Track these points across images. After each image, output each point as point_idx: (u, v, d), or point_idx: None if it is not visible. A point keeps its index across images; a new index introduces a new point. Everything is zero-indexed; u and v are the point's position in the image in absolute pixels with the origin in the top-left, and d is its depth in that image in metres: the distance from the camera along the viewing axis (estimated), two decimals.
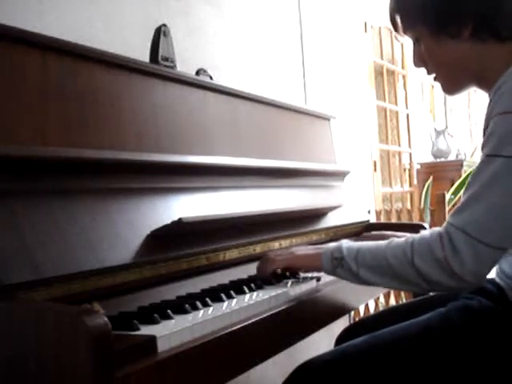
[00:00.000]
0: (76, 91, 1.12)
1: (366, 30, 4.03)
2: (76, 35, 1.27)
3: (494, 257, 0.98)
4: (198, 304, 0.99)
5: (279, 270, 1.26)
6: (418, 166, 5.06)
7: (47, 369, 0.73)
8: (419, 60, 1.21)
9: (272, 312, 1.04)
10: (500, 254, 0.99)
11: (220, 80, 1.69)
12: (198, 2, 2.23)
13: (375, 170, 4.03)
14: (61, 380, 0.72)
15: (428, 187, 4.01)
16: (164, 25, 1.50)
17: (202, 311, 0.97)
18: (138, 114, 1.26)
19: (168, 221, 1.13)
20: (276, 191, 1.65)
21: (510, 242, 0.99)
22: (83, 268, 0.93)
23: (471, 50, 1.12)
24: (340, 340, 1.46)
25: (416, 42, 1.20)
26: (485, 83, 1.16)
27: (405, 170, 4.93)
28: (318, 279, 1.27)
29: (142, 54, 1.42)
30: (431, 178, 4.26)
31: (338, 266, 1.11)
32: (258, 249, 1.42)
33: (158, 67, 1.38)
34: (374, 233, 1.63)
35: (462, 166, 4.94)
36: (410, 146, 4.98)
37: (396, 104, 4.78)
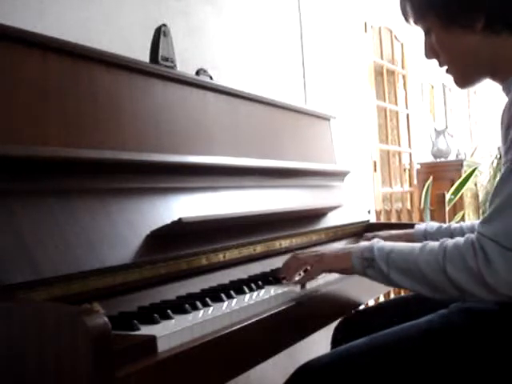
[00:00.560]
0: (76, 91, 1.12)
1: (366, 30, 4.03)
2: (76, 35, 1.27)
3: None
4: (198, 304, 0.99)
5: (302, 272, 1.24)
6: (418, 166, 5.06)
7: (47, 369, 0.73)
8: (430, 52, 1.18)
9: (272, 312, 1.04)
10: None
11: (220, 80, 1.69)
12: (198, 2, 2.23)
13: (375, 170, 4.03)
14: (61, 380, 0.72)
15: (428, 187, 4.01)
16: (164, 25, 1.50)
17: (201, 311, 0.97)
18: (138, 114, 1.26)
19: (168, 221, 1.13)
20: (276, 191, 1.65)
21: None
22: (83, 268, 0.93)
23: (484, 42, 1.10)
24: (336, 334, 1.47)
25: (427, 34, 1.17)
26: (498, 75, 1.14)
27: (405, 170, 4.93)
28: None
29: (142, 54, 1.42)
30: (431, 178, 4.26)
31: (369, 266, 1.09)
32: (258, 249, 1.42)
33: (158, 67, 1.38)
34: (366, 234, 1.62)
35: (462, 165, 4.94)
36: (410, 146, 4.98)
37: (396, 104, 4.78)
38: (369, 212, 2.62)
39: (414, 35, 4.84)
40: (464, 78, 1.19)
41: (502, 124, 1.06)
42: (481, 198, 5.40)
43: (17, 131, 0.99)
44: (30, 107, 1.02)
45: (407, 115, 4.95)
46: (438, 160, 5.18)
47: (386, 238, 1.51)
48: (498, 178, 1.01)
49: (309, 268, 1.21)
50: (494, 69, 1.14)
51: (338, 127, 2.63)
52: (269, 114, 1.78)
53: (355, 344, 1.17)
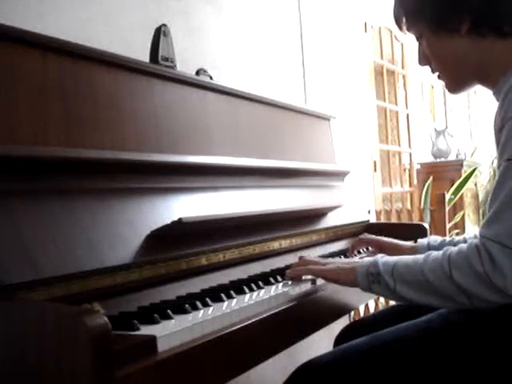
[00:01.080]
0: (76, 91, 1.12)
1: (366, 30, 4.03)
2: (76, 35, 1.27)
3: None
4: (198, 304, 0.99)
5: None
6: (418, 166, 5.06)
7: (47, 369, 0.73)
8: (423, 58, 1.21)
9: (272, 312, 1.04)
10: None
11: (220, 80, 1.69)
12: (198, 2, 2.23)
13: (375, 170, 4.03)
14: (61, 380, 0.72)
15: (428, 187, 4.01)
16: (164, 25, 1.50)
17: (201, 311, 0.97)
18: (138, 114, 1.26)
19: (168, 221, 1.13)
20: (276, 191, 1.65)
21: None
22: (83, 268, 0.93)
23: (471, 45, 1.11)
24: (339, 339, 1.46)
25: (419, 40, 1.20)
26: (488, 80, 1.15)
27: (405, 169, 4.92)
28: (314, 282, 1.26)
29: (142, 54, 1.42)
30: (431, 178, 4.26)
31: (375, 281, 1.07)
32: (258, 249, 1.42)
33: (158, 67, 1.38)
34: (361, 236, 1.61)
35: (462, 165, 4.94)
36: (410, 146, 4.98)
37: (396, 104, 4.78)
38: (369, 212, 2.62)
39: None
40: (454, 83, 1.21)
41: (494, 128, 1.07)
42: (481, 197, 5.40)
43: (17, 131, 0.99)
44: (30, 107, 1.02)
45: (407, 115, 4.95)
46: (438, 160, 5.18)
47: (389, 247, 1.53)
48: (495, 181, 1.01)
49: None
50: (482, 73, 1.15)
51: (338, 127, 2.63)
52: (269, 113, 1.78)
53: (355, 343, 1.17)
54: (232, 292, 1.09)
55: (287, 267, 1.28)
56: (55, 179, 1.01)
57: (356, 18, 3.90)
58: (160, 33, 1.48)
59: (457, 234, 3.79)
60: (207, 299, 1.02)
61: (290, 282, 1.22)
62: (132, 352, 0.75)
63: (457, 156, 5.38)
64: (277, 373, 1.56)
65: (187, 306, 0.97)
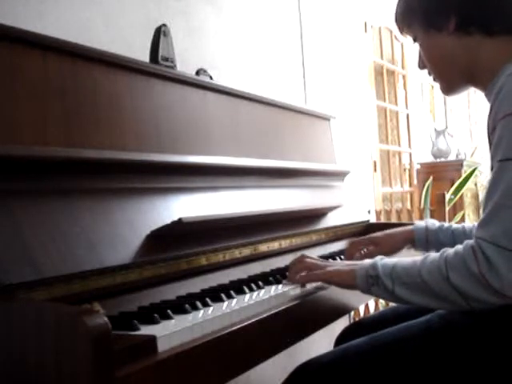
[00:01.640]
0: (76, 91, 1.12)
1: (366, 30, 4.03)
2: (76, 35, 1.27)
3: None
4: (198, 304, 0.99)
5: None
6: (418, 166, 5.06)
7: (47, 369, 0.73)
8: (421, 61, 1.22)
9: (272, 312, 1.04)
10: None
11: (220, 80, 1.69)
12: (198, 2, 2.23)
13: (375, 170, 4.03)
14: (61, 380, 0.72)
15: (428, 187, 4.01)
16: (164, 25, 1.50)
17: (201, 311, 0.97)
18: (138, 114, 1.26)
19: (168, 221, 1.13)
20: (276, 191, 1.65)
21: None
22: (83, 268, 0.93)
23: (458, 44, 1.12)
24: (339, 340, 1.46)
25: (415, 42, 1.22)
26: (477, 81, 1.16)
27: (405, 169, 4.93)
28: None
29: (142, 54, 1.42)
30: (431, 178, 4.26)
31: (374, 284, 1.07)
32: (258, 249, 1.42)
33: (158, 67, 1.38)
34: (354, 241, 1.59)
35: (462, 165, 4.94)
36: (410, 146, 4.98)
37: (396, 104, 4.78)
38: (369, 212, 2.62)
39: None
40: (446, 85, 1.22)
41: (487, 130, 1.07)
42: (481, 198, 5.40)
43: (17, 131, 0.99)
44: (30, 107, 1.02)
45: (407, 115, 4.95)
46: (438, 160, 5.18)
47: (383, 239, 1.52)
48: (488, 182, 1.01)
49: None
50: (471, 74, 1.15)
51: (338, 127, 2.63)
52: (269, 113, 1.78)
53: (355, 343, 1.17)
54: (232, 292, 1.09)
55: (287, 267, 1.28)
56: (55, 179, 1.01)
57: (356, 18, 3.90)
58: (160, 33, 1.48)
59: None
60: (207, 299, 1.02)
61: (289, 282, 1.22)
62: (132, 352, 0.75)
63: (457, 156, 5.38)
64: (277, 373, 1.56)
65: (187, 306, 0.97)
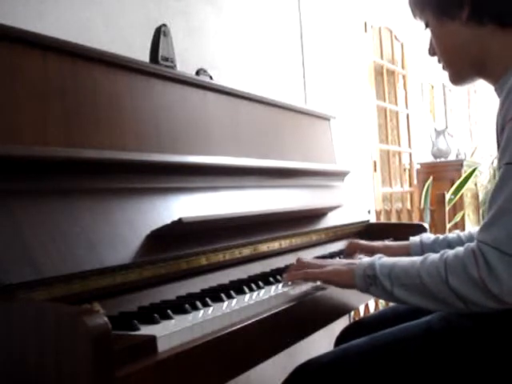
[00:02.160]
0: (76, 91, 1.12)
1: (366, 30, 4.03)
2: (76, 35, 1.27)
3: None
4: (198, 304, 0.99)
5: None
6: (418, 166, 5.06)
7: (47, 369, 0.73)
8: (431, 48, 1.20)
9: (272, 312, 1.04)
10: None
11: (220, 80, 1.69)
12: (198, 2, 2.23)
13: (375, 170, 4.03)
14: (61, 380, 0.72)
15: (428, 187, 4.01)
16: (164, 25, 1.50)
17: (201, 311, 0.97)
18: (138, 114, 1.26)
19: (168, 221, 1.13)
20: (276, 191, 1.65)
21: None
22: (83, 268, 0.93)
23: (471, 33, 1.10)
24: (339, 340, 1.46)
25: (427, 28, 1.19)
26: (488, 73, 1.14)
27: (405, 169, 4.93)
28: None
29: (142, 54, 1.42)
30: (431, 178, 4.26)
31: (372, 284, 1.07)
32: (258, 249, 1.42)
33: (158, 67, 1.38)
34: (353, 241, 1.59)
35: (462, 165, 4.94)
36: (410, 146, 4.98)
37: (396, 104, 4.78)
38: (369, 212, 2.62)
39: (414, 35, 4.85)
40: (455, 74, 1.19)
41: (496, 128, 1.05)
42: (481, 197, 5.40)
43: (17, 131, 0.99)
44: (30, 107, 1.02)
45: (407, 115, 4.95)
46: (438, 160, 5.18)
47: (381, 250, 1.51)
48: (494, 184, 1.00)
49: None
50: (483, 66, 1.13)
51: (338, 127, 2.63)
52: (269, 113, 1.78)
53: (355, 343, 1.17)
54: (232, 292, 1.09)
55: (287, 267, 1.28)
56: (55, 179, 1.01)
57: (356, 18, 3.90)
58: (160, 33, 1.48)
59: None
60: (207, 299, 1.02)
61: (290, 282, 1.22)
62: (132, 352, 0.75)
63: (457, 156, 5.38)
64: (277, 373, 1.56)
65: (187, 306, 0.97)
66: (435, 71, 5.23)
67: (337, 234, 1.84)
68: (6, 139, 0.96)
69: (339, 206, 1.84)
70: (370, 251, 1.53)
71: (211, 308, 1.00)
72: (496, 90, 1.13)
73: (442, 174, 4.87)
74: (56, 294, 0.88)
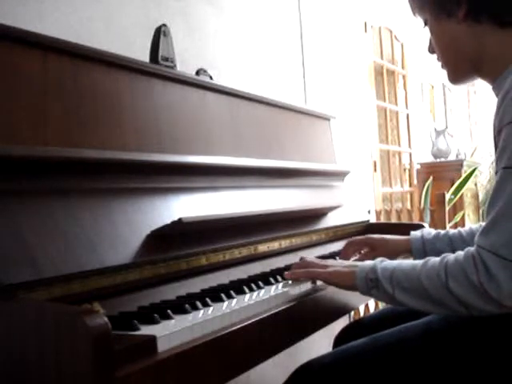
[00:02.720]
0: (76, 91, 1.12)
1: (366, 30, 4.03)
2: (76, 35, 1.27)
3: None
4: (198, 304, 0.99)
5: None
6: (418, 166, 5.06)
7: (47, 369, 0.73)
8: (431, 45, 1.20)
9: (272, 312, 1.04)
10: None
11: (220, 80, 1.69)
12: (198, 2, 2.23)
13: (375, 170, 4.03)
14: (61, 380, 0.72)
15: (428, 187, 4.01)
16: (164, 25, 1.50)
17: (201, 311, 0.97)
18: (138, 114, 1.26)
19: (168, 221, 1.13)
20: (276, 191, 1.65)
21: None
22: (83, 268, 0.93)
23: (468, 32, 1.10)
24: (339, 339, 1.46)
25: (426, 26, 1.19)
26: (486, 73, 1.14)
27: (405, 170, 4.93)
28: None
29: (142, 54, 1.42)
30: (431, 178, 4.26)
31: (374, 287, 1.07)
32: (258, 249, 1.42)
33: (158, 67, 1.38)
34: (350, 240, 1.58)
35: (462, 165, 4.95)
36: (410, 146, 4.99)
37: (396, 104, 4.78)
38: (369, 212, 2.62)
39: (414, 35, 4.85)
40: (453, 73, 1.19)
41: (493, 129, 1.05)
42: (481, 197, 5.40)
43: (17, 131, 0.99)
44: (30, 107, 1.02)
45: (407, 115, 4.95)
46: (438, 160, 5.18)
47: (380, 244, 1.51)
48: (492, 188, 1.00)
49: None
50: (481, 65, 1.13)
51: (338, 127, 2.63)
52: (269, 113, 1.78)
53: (356, 344, 1.17)
54: (232, 292, 1.09)
55: (287, 267, 1.28)
56: (55, 179, 1.01)
57: (356, 18, 3.90)
58: (160, 33, 1.48)
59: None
60: (207, 299, 1.02)
61: (290, 282, 1.22)
62: (132, 352, 0.75)
63: (457, 156, 5.38)
64: (277, 373, 1.56)
65: (187, 306, 0.97)
66: (435, 71, 5.23)
67: (337, 233, 1.84)
68: (6, 139, 0.96)
69: (339, 206, 1.84)
70: (369, 245, 1.52)
71: (211, 308, 1.00)
72: (493, 89, 1.13)
73: (442, 173, 4.87)
74: (56, 294, 0.88)
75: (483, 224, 0.98)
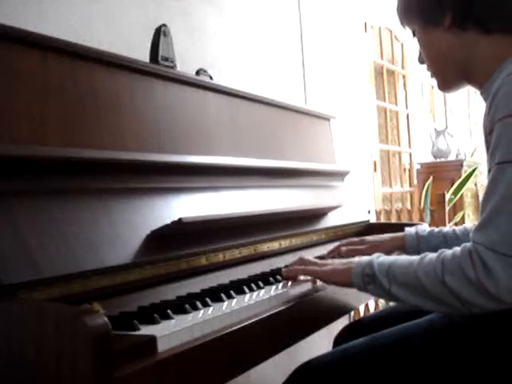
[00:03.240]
0: (76, 91, 1.12)
1: (366, 30, 4.03)
2: (76, 35, 1.27)
3: None
4: (198, 304, 0.99)
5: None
6: (418, 166, 5.06)
7: (47, 369, 0.73)
8: (421, 56, 1.22)
9: (272, 312, 1.04)
10: None
11: (220, 80, 1.69)
12: (198, 2, 2.23)
13: (375, 170, 4.03)
14: (61, 380, 0.72)
15: (428, 187, 4.01)
16: (164, 25, 1.50)
17: (201, 311, 0.97)
18: (138, 114, 1.26)
19: (168, 221, 1.13)
20: (276, 191, 1.65)
21: None
22: (83, 268, 0.93)
23: (454, 40, 1.12)
24: (339, 339, 1.46)
25: (414, 36, 1.21)
26: (473, 79, 1.15)
27: (405, 170, 4.93)
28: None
29: (142, 54, 1.42)
30: (431, 178, 4.26)
31: (370, 282, 1.07)
32: (258, 249, 1.42)
33: (158, 67, 1.38)
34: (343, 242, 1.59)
35: (462, 166, 4.94)
36: (410, 146, 4.98)
37: (396, 104, 4.78)
38: (369, 212, 2.62)
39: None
40: (442, 81, 1.21)
41: (484, 131, 1.06)
42: (481, 197, 5.39)
43: (17, 131, 0.99)
44: (30, 107, 1.02)
45: (407, 115, 4.95)
46: (438, 160, 5.18)
47: (376, 243, 1.51)
48: (486, 185, 1.00)
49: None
50: (468, 72, 1.15)
51: (338, 127, 2.63)
52: (269, 113, 1.78)
53: (356, 343, 1.17)
54: (232, 292, 1.09)
55: (287, 267, 1.28)
56: (55, 179, 1.01)
57: (356, 18, 3.90)
58: (160, 33, 1.49)
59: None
60: (207, 299, 1.02)
61: (290, 283, 1.22)
62: (132, 352, 0.75)
63: (457, 156, 5.38)
64: (277, 373, 1.56)
65: (187, 306, 0.97)
66: None
67: (337, 234, 1.84)
68: (6, 139, 0.96)
69: (339, 206, 1.85)
70: (365, 247, 1.52)
71: (211, 308, 1.00)
72: (482, 94, 1.14)
73: (441, 173, 4.87)
74: (56, 294, 0.88)
75: (479, 220, 0.99)
